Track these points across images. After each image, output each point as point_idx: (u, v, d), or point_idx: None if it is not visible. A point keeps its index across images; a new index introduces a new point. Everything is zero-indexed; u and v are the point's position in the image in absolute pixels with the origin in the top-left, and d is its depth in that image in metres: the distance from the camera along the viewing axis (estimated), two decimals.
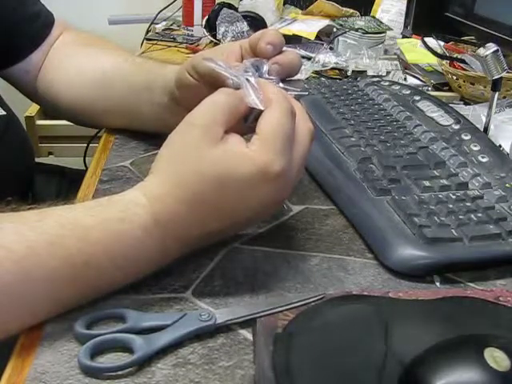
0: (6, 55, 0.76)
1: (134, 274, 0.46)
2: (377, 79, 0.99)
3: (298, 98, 0.52)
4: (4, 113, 0.79)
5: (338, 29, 1.21)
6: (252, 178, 0.46)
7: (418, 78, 1.10)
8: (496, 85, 0.75)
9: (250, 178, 0.46)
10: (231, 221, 0.48)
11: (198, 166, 0.46)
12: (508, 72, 0.76)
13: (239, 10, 1.25)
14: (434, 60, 1.10)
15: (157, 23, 1.40)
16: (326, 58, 1.10)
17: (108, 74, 0.73)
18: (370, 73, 1.09)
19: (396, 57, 1.19)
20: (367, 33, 1.17)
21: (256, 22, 1.19)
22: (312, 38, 1.21)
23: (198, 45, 1.26)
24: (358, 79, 1.03)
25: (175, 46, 1.26)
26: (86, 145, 1.21)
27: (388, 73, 1.10)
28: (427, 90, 1.04)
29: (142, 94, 0.68)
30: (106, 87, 0.73)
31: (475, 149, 0.66)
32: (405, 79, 1.08)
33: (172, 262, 0.48)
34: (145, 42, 1.31)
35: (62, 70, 0.77)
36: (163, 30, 1.38)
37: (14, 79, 0.79)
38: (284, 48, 0.57)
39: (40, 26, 0.78)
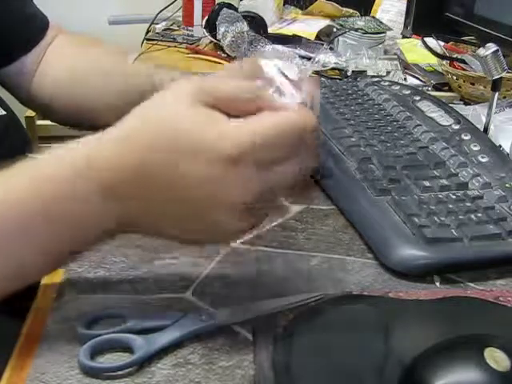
0: (1, 55, 0.76)
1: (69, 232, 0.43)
2: (377, 79, 0.99)
3: None
4: (4, 112, 0.79)
5: (338, 29, 1.21)
6: (213, 153, 0.39)
7: (418, 78, 1.10)
8: (496, 85, 0.75)
9: (209, 152, 0.39)
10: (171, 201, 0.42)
11: (163, 119, 0.41)
12: (508, 72, 0.76)
13: (239, 10, 1.25)
14: (434, 60, 1.10)
15: (157, 23, 1.40)
16: (326, 58, 1.09)
17: (106, 76, 0.73)
18: (370, 73, 1.09)
19: (396, 57, 1.19)
20: (367, 33, 1.17)
21: (256, 22, 1.19)
22: (312, 38, 1.21)
23: (198, 45, 1.26)
24: (358, 79, 1.03)
25: (175, 46, 1.26)
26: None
27: (388, 73, 1.10)
28: (427, 89, 1.04)
29: (137, 99, 0.69)
30: (102, 89, 0.73)
31: (475, 149, 0.66)
32: (405, 79, 1.08)
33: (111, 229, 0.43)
34: (145, 42, 1.31)
35: (58, 72, 0.77)
36: (163, 30, 1.37)
37: (8, 81, 0.79)
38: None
39: (35, 28, 0.79)
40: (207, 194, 0.41)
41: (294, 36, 1.21)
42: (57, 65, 0.78)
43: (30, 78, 0.79)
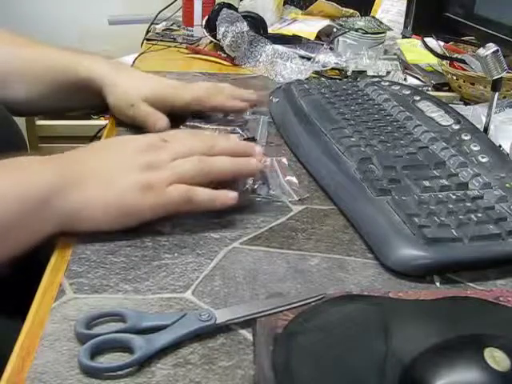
0: None
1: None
2: (377, 79, 0.99)
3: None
4: None
5: (337, 29, 1.21)
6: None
7: (418, 78, 1.10)
8: (496, 85, 0.75)
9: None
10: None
11: None
12: (508, 72, 0.76)
13: (239, 10, 1.25)
14: (434, 60, 1.10)
15: (157, 23, 1.40)
16: (326, 58, 1.09)
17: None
18: (369, 73, 1.09)
19: (396, 57, 1.19)
20: (367, 33, 1.17)
21: (256, 22, 1.19)
22: (312, 38, 1.21)
23: (198, 45, 1.26)
24: (358, 79, 1.03)
25: (175, 46, 1.26)
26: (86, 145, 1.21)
27: (388, 73, 1.10)
28: (427, 90, 1.04)
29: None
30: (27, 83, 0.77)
31: (475, 149, 0.66)
32: (405, 79, 1.08)
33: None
34: (145, 42, 1.31)
35: None
36: (163, 30, 1.37)
37: None
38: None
39: None
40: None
41: (294, 36, 1.21)
42: None
43: None
